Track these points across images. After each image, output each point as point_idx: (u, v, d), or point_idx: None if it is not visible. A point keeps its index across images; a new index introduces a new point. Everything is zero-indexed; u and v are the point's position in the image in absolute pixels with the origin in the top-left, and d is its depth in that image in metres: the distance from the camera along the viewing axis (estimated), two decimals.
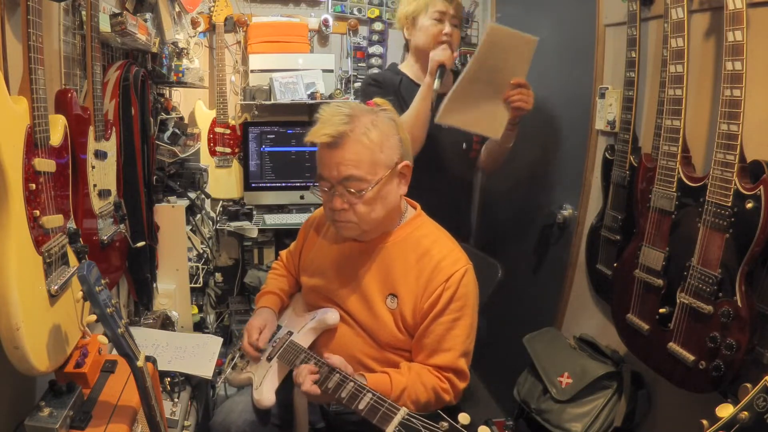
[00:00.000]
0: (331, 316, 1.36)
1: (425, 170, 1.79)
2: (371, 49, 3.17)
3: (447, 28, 1.88)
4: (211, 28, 2.95)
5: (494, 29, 1.71)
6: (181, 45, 2.60)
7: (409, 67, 2.05)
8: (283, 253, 1.68)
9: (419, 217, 1.40)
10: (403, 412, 1.01)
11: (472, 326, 1.31)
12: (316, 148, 1.27)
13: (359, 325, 1.35)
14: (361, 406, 1.08)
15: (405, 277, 1.30)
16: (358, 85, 3.16)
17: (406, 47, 2.10)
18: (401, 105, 1.88)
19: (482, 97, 1.75)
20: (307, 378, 1.19)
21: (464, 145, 2.04)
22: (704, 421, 0.73)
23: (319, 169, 1.28)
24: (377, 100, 1.35)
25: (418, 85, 1.87)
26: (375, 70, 3.18)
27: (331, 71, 3.08)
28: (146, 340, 1.94)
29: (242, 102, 3.04)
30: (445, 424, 0.93)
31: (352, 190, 1.24)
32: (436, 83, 1.77)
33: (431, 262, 1.29)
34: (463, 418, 0.92)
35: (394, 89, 1.97)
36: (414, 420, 0.98)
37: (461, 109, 1.75)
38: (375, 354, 1.33)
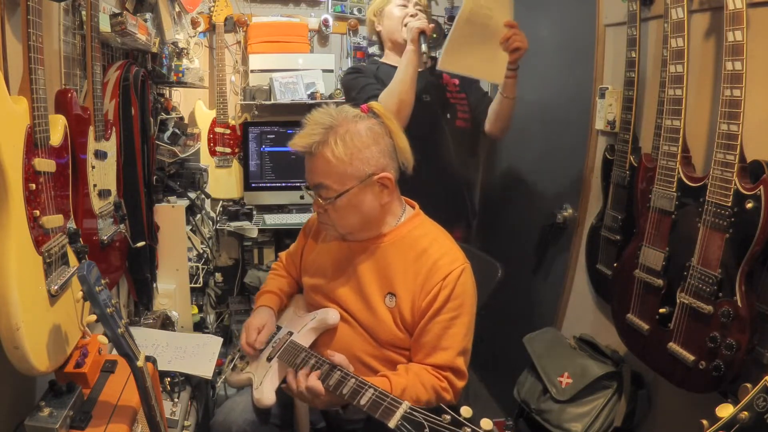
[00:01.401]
0: (332, 315, 1.36)
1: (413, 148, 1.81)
2: (371, 49, 3.16)
3: (411, 11, 1.96)
4: (211, 28, 2.95)
5: None
6: (181, 45, 2.60)
7: (386, 58, 2.12)
8: (282, 254, 1.68)
9: (417, 216, 1.41)
10: (405, 405, 1.01)
11: (470, 325, 1.31)
12: None
13: (359, 324, 1.35)
14: (363, 402, 1.08)
15: (403, 276, 1.31)
16: None
17: (380, 45, 2.17)
18: (381, 87, 1.92)
19: (479, 43, 1.79)
20: (311, 374, 1.20)
21: (448, 115, 2.06)
22: (704, 421, 0.73)
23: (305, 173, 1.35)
24: (374, 105, 1.35)
25: (396, 68, 1.89)
26: None
27: (331, 71, 3.08)
28: (146, 340, 1.94)
29: (242, 102, 3.04)
30: (448, 416, 0.93)
31: (322, 196, 1.30)
32: (424, 47, 1.81)
33: (429, 261, 1.29)
34: (465, 411, 0.93)
35: (373, 73, 2.02)
36: (416, 413, 0.98)
37: (460, 55, 1.81)
38: (375, 353, 1.33)
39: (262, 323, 1.46)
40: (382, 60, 2.13)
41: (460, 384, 1.30)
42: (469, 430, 0.91)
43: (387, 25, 2.05)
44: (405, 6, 2.00)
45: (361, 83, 1.98)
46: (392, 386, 1.20)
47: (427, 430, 0.95)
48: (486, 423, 0.91)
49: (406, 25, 1.92)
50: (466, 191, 2.20)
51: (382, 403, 1.05)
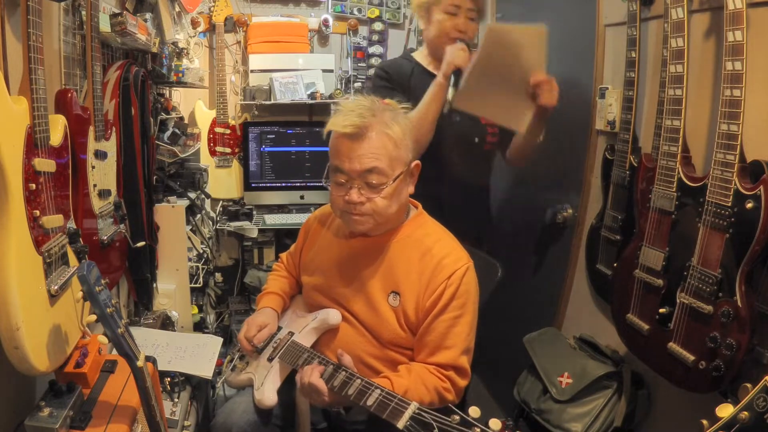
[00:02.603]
0: (333, 315, 1.36)
1: (436, 164, 1.73)
2: (371, 49, 3.17)
3: (461, 23, 1.72)
4: (211, 28, 2.96)
5: (493, 30, 1.63)
6: (181, 45, 2.60)
7: (423, 57, 1.90)
8: (283, 255, 1.68)
9: (421, 216, 1.41)
10: (414, 406, 1.00)
11: (473, 324, 1.31)
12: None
13: (361, 324, 1.35)
14: (369, 402, 1.08)
15: (407, 275, 1.31)
16: (358, 85, 3.16)
17: (422, 36, 1.98)
18: (409, 100, 1.74)
19: (499, 91, 1.62)
20: (314, 371, 1.19)
21: (476, 138, 1.89)
22: (704, 421, 0.73)
23: (337, 160, 1.26)
24: (389, 101, 1.36)
25: (432, 75, 1.74)
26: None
27: (331, 71, 3.08)
28: (146, 340, 1.94)
29: (242, 102, 3.04)
30: (457, 417, 0.93)
31: (374, 183, 1.23)
32: (450, 92, 1.62)
33: (433, 260, 1.29)
34: (474, 411, 0.93)
35: (404, 81, 1.85)
36: (425, 414, 0.97)
37: (479, 96, 1.62)
38: (377, 353, 1.33)
39: (265, 323, 1.45)
40: (419, 59, 1.90)
41: (463, 383, 1.30)
42: (478, 430, 0.91)
43: (430, 31, 1.81)
44: (455, 15, 1.73)
45: (384, 95, 1.81)
46: (394, 388, 1.19)
47: (436, 430, 0.94)
48: (495, 423, 0.91)
49: (447, 44, 1.70)
50: (488, 213, 2.07)
51: (389, 404, 1.04)
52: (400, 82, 1.85)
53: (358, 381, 1.13)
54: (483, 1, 1.80)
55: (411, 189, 1.34)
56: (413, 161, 1.32)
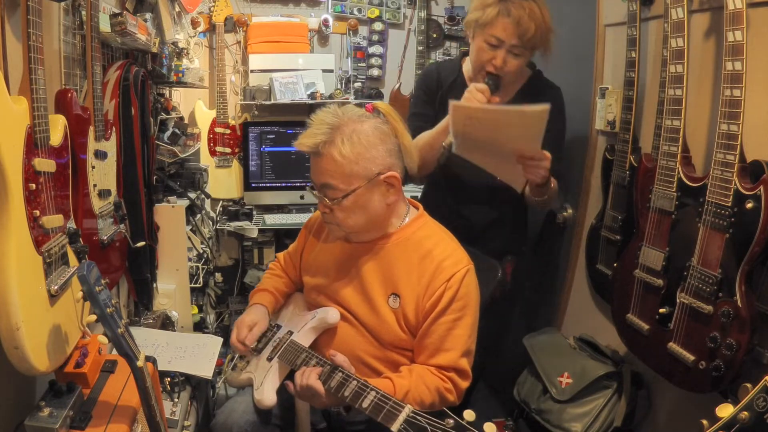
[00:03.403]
0: (332, 314, 1.36)
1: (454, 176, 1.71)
2: (371, 49, 3.17)
3: (500, 59, 1.56)
4: (211, 28, 2.95)
5: (457, 111, 1.44)
6: (181, 45, 2.60)
7: (468, 69, 1.76)
8: (280, 255, 1.68)
9: (422, 217, 1.40)
10: (408, 409, 1.01)
11: (474, 326, 1.31)
12: None
13: (362, 325, 1.35)
14: (365, 404, 1.08)
15: (407, 277, 1.31)
16: (358, 85, 3.17)
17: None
18: (437, 118, 1.67)
19: (492, 154, 1.52)
20: (311, 373, 1.19)
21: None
22: (704, 421, 0.73)
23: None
24: (379, 105, 1.35)
25: None
26: (375, 71, 3.17)
27: (331, 71, 3.08)
28: (146, 340, 1.94)
29: (242, 102, 3.04)
30: (451, 421, 0.93)
31: (329, 196, 1.29)
32: (447, 140, 1.50)
33: (433, 263, 1.29)
34: (469, 415, 0.93)
35: (448, 85, 1.75)
36: (419, 417, 0.98)
37: (477, 151, 1.53)
38: (377, 353, 1.33)
39: (254, 321, 1.45)
40: (465, 69, 1.77)
41: (464, 384, 1.30)
42: None
43: (471, 53, 1.67)
44: (497, 46, 1.55)
45: (416, 108, 1.78)
46: (396, 388, 1.20)
47: None
48: (489, 427, 0.90)
49: (479, 74, 1.61)
50: (503, 227, 1.86)
51: (384, 407, 1.04)
52: (434, 97, 1.76)
53: (354, 382, 1.13)
54: (536, 39, 1.56)
55: (392, 198, 1.31)
56: (387, 171, 1.27)
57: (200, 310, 2.76)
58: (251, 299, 1.56)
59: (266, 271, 1.67)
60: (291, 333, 1.42)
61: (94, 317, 1.06)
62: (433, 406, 1.24)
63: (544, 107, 1.31)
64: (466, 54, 1.79)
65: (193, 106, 3.02)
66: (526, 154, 1.42)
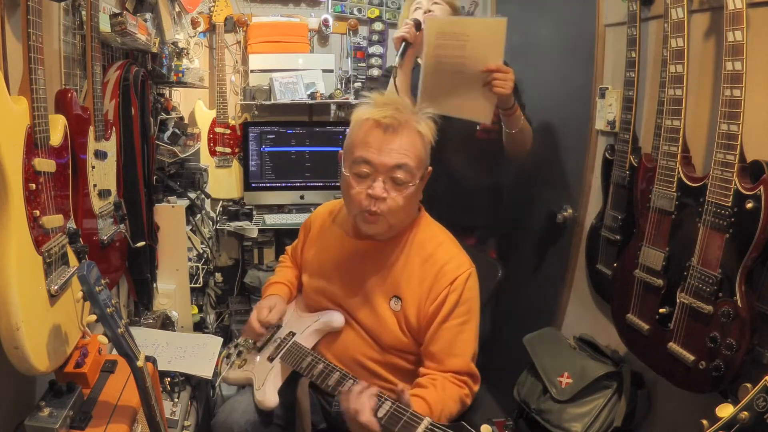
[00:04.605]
0: (337, 318, 1.36)
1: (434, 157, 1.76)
2: (371, 49, 3.17)
3: (420, 13, 1.84)
4: (211, 28, 2.96)
5: (433, 22, 1.63)
6: (181, 45, 2.60)
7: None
8: (288, 248, 1.68)
9: (423, 218, 1.40)
10: (426, 422, 1.00)
11: (477, 328, 1.31)
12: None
13: (363, 327, 1.34)
14: (380, 414, 1.06)
15: (409, 280, 1.30)
16: (358, 85, 3.17)
17: None
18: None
19: (458, 85, 1.65)
20: (365, 409, 1.07)
21: (467, 129, 1.90)
22: (704, 421, 0.73)
23: (364, 151, 1.20)
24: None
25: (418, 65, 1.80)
26: (375, 71, 3.18)
27: (331, 71, 3.08)
28: (146, 340, 1.94)
29: (242, 102, 3.04)
30: None
31: (400, 179, 1.20)
32: (397, 59, 1.74)
33: (435, 266, 1.28)
34: (485, 429, 0.93)
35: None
36: (437, 430, 0.97)
37: (439, 96, 1.64)
38: (377, 357, 1.33)
39: (273, 304, 1.43)
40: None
41: (476, 387, 1.29)
42: None
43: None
44: (420, 8, 1.87)
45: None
46: (431, 408, 1.15)
47: None
48: (486, 430, 0.91)
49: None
50: (482, 200, 2.06)
51: (401, 417, 1.02)
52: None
53: (388, 403, 1.06)
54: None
55: (420, 195, 1.32)
56: (428, 167, 1.30)
57: (200, 310, 2.76)
58: (265, 292, 1.55)
59: (278, 264, 1.66)
60: (293, 334, 1.41)
61: (94, 317, 1.06)
62: (458, 414, 1.24)
63: (502, 18, 1.56)
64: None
65: (193, 106, 3.02)
66: (492, 66, 1.60)
